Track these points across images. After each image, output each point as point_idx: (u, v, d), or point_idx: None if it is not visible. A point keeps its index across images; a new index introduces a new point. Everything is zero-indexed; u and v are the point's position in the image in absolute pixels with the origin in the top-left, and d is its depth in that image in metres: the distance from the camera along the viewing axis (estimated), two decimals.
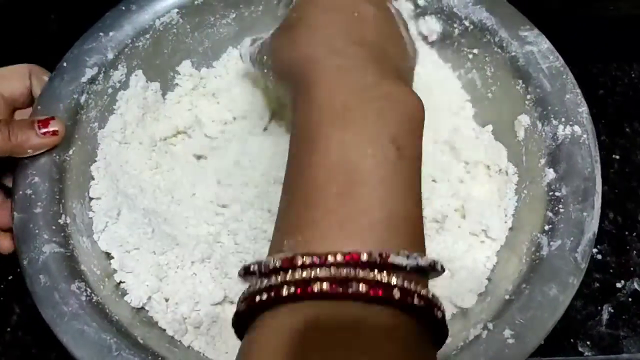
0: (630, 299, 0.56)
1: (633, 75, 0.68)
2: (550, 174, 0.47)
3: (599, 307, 0.55)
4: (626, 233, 0.59)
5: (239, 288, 0.47)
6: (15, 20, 0.71)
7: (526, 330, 0.40)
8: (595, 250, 0.57)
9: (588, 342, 0.54)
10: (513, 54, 0.52)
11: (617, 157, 0.63)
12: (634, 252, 0.58)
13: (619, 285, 0.56)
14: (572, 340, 0.54)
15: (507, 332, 0.40)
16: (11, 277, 0.58)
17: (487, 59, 0.54)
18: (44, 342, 0.55)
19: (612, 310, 0.55)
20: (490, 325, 0.41)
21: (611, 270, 0.57)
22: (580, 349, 0.54)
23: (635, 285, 0.56)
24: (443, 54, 0.58)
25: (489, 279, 0.48)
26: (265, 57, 0.44)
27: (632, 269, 0.57)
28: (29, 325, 0.56)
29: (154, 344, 0.44)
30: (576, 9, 0.67)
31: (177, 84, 0.59)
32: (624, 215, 0.60)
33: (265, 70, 0.45)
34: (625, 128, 0.65)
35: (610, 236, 0.59)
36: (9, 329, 0.56)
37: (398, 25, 0.41)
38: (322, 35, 0.37)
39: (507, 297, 0.42)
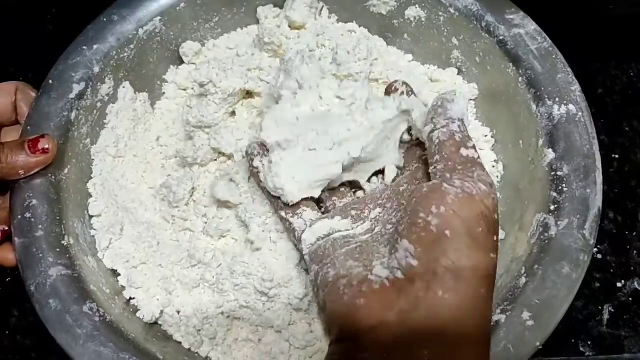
0: (631, 299, 0.56)
1: (632, 74, 0.67)
2: (550, 154, 0.47)
3: (600, 307, 0.56)
4: (626, 232, 0.59)
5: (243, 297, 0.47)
6: (12, 19, 0.70)
7: (544, 311, 0.41)
8: (595, 250, 0.57)
9: (589, 342, 0.55)
10: (501, 37, 0.52)
11: (617, 156, 0.63)
12: (635, 251, 0.58)
13: (619, 285, 0.57)
14: (573, 340, 0.55)
15: (526, 315, 0.41)
16: (9, 279, 0.57)
17: (475, 44, 0.54)
18: (43, 346, 0.54)
19: (612, 310, 0.56)
20: (509, 308, 0.41)
21: (612, 270, 0.57)
22: (581, 349, 0.54)
23: (636, 285, 0.56)
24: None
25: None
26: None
27: (632, 268, 0.57)
28: (28, 329, 0.55)
29: (172, 358, 0.43)
30: (575, 8, 0.67)
31: (164, 93, 0.58)
32: (624, 215, 0.60)
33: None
34: (625, 127, 0.64)
35: (611, 236, 0.59)
36: (7, 332, 0.55)
37: None
38: None
39: (522, 278, 0.43)
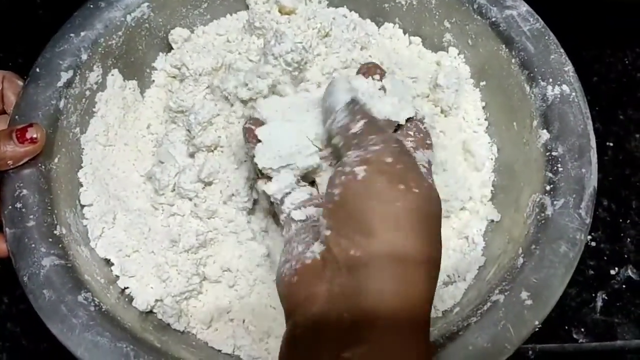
0: (624, 286, 0.56)
1: (627, 62, 0.67)
2: (545, 134, 0.47)
3: (593, 295, 0.56)
4: (620, 220, 0.59)
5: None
6: (1, 3, 0.68)
7: (542, 290, 0.41)
8: (589, 237, 0.57)
9: (582, 330, 0.54)
10: (493, 19, 0.52)
11: (611, 144, 0.62)
12: (628, 239, 0.58)
13: (613, 272, 0.57)
14: (566, 327, 0.54)
15: (524, 294, 0.41)
16: None
17: (467, 27, 0.54)
18: (34, 333, 0.53)
19: (606, 298, 0.56)
20: (507, 289, 0.41)
21: (605, 258, 0.57)
22: (574, 336, 0.54)
23: (629, 273, 0.56)
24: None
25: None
26: None
27: (626, 256, 0.57)
28: (18, 316, 0.54)
29: (171, 347, 0.43)
30: None
31: (154, 80, 0.57)
32: (618, 203, 0.60)
33: None
34: (619, 115, 0.64)
35: (604, 223, 0.59)
36: None
37: None
38: None
39: (519, 259, 0.43)
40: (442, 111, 0.54)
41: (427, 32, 0.58)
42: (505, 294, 0.41)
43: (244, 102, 0.49)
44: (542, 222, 0.44)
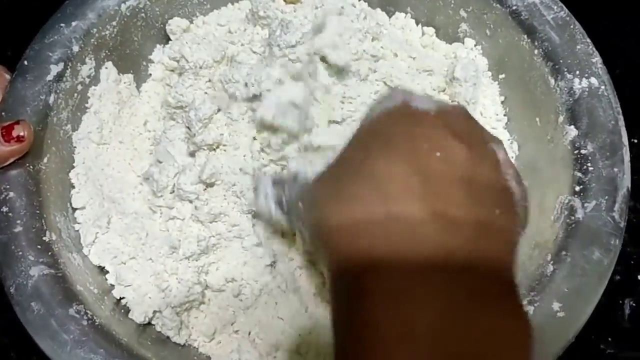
0: None
1: None
2: (572, 131, 0.44)
3: (621, 301, 0.52)
4: None
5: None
6: None
7: (575, 301, 0.38)
8: None
9: (609, 339, 0.51)
10: (514, 7, 0.49)
11: (636, 140, 0.58)
12: None
13: None
14: (592, 336, 0.51)
15: (556, 305, 0.38)
16: None
17: (485, 16, 0.51)
18: (23, 345, 0.49)
19: (634, 305, 0.52)
20: (536, 299, 0.38)
21: (632, 262, 0.54)
22: (601, 346, 0.51)
23: None
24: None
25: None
26: (305, 214, 0.34)
27: None
28: (7, 327, 0.50)
29: None
30: None
31: (150, 74, 0.54)
32: None
33: (305, 233, 0.34)
34: None
35: (630, 225, 0.53)
36: None
37: (505, 174, 0.30)
38: (389, 212, 0.27)
39: (548, 266, 0.39)
40: None
41: (441, 22, 0.54)
42: (535, 305, 0.38)
43: (249, 98, 0.45)
44: (572, 226, 0.41)
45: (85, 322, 0.39)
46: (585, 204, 0.41)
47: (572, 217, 0.41)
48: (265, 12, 0.50)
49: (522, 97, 0.49)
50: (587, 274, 0.38)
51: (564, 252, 0.40)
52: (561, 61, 0.46)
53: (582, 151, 0.43)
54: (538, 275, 0.40)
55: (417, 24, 0.55)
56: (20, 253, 0.40)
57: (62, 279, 0.40)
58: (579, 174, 0.42)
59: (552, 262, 0.40)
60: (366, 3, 0.55)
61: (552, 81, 0.46)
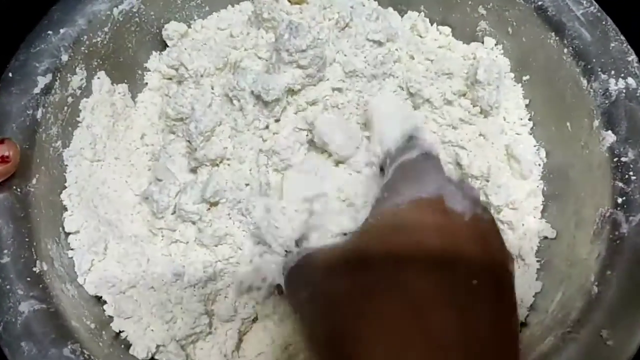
0: None
1: None
2: (610, 136, 0.40)
3: None
4: None
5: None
6: None
7: (625, 327, 0.34)
8: None
9: None
10: (539, 3, 0.45)
11: None
12: None
13: None
14: None
15: (604, 333, 0.34)
16: None
17: (507, 13, 0.47)
18: None
19: None
20: (581, 326, 0.35)
21: None
22: None
23: None
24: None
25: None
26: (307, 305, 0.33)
27: None
28: None
29: None
30: None
31: (147, 83, 0.50)
32: None
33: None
34: None
35: None
36: None
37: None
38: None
39: (593, 288, 0.36)
40: (481, 111, 0.46)
41: (457, 20, 0.51)
42: (580, 331, 0.34)
43: (264, 103, 0.41)
44: (617, 242, 0.37)
45: None
46: (630, 218, 0.37)
47: (616, 233, 0.37)
48: (269, 14, 0.46)
49: (549, 100, 0.46)
50: (637, 296, 0.35)
51: (609, 272, 0.36)
52: (594, 60, 0.42)
53: (623, 159, 0.39)
54: (580, 298, 0.36)
55: (431, 23, 0.51)
56: (8, 287, 0.36)
57: (55, 315, 0.36)
58: (621, 184, 0.39)
59: (596, 283, 0.36)
60: (376, 2, 0.52)
61: (585, 82, 0.42)
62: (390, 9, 0.51)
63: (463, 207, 0.31)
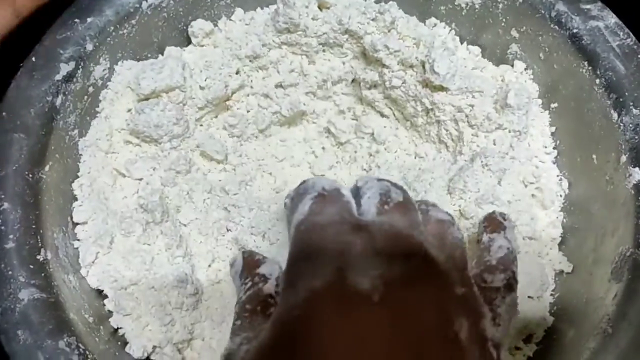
0: None
1: None
2: (637, 173, 0.39)
3: None
4: None
5: None
6: None
7: None
8: None
9: None
10: (575, 30, 0.44)
11: None
12: None
13: None
14: None
15: None
16: None
17: (540, 38, 0.46)
18: None
19: None
20: None
21: None
22: None
23: None
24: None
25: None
26: None
27: None
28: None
29: None
30: None
31: None
32: None
33: None
34: None
35: None
36: None
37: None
38: None
39: (607, 329, 0.34)
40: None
41: (488, 41, 0.49)
42: None
43: None
44: (636, 283, 0.35)
45: (76, 358, 0.34)
46: None
47: (636, 273, 0.36)
48: (298, 19, 0.45)
49: (576, 130, 0.44)
50: None
51: (625, 314, 0.35)
52: (627, 94, 0.41)
53: None
54: (593, 338, 0.35)
55: (461, 42, 0.50)
56: (10, 272, 0.36)
57: (54, 305, 0.36)
58: None
59: (610, 324, 0.35)
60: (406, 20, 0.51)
61: (615, 115, 0.41)
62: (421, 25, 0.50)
63: (371, 280, 0.25)
